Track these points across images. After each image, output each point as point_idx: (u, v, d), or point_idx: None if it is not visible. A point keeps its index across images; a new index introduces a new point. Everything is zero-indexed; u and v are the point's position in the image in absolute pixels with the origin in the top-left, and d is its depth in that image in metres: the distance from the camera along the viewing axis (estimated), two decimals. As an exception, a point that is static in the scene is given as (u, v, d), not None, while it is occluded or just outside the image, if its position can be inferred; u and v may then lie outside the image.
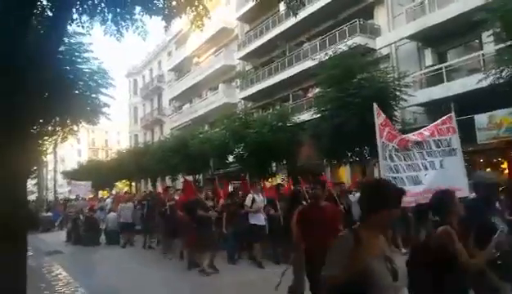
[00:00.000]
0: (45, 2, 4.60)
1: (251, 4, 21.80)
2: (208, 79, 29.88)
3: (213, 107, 27.73)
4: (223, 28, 27.76)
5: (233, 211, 9.08)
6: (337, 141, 11.94)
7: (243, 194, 10.03)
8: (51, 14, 4.08)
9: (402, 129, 12.69)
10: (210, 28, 25.19)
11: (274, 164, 18.27)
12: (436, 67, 15.53)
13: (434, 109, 15.02)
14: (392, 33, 17.14)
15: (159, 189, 27.70)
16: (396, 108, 12.21)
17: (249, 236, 8.72)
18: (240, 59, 27.02)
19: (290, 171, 18.77)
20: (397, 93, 11.87)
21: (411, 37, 15.96)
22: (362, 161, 12.79)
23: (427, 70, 15.87)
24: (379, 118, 6.21)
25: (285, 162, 18.13)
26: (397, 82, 12.15)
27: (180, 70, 35.25)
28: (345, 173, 17.77)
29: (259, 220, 8.45)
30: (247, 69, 27.02)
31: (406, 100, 12.12)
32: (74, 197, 21.23)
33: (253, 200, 8.49)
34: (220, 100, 27.82)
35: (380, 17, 18.28)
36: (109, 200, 19.65)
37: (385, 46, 17.08)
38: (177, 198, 10.82)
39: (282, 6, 20.99)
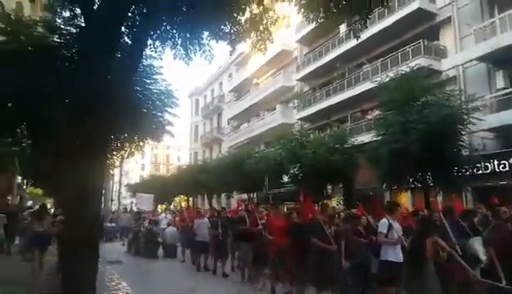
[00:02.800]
0: (123, 29, 5.11)
1: (311, 26, 22.04)
2: (266, 100, 30.40)
3: (270, 127, 28.06)
4: (283, 51, 28.24)
5: (351, 239, 7.26)
6: (397, 166, 11.51)
7: (348, 215, 8.31)
8: (129, 41, 4.53)
9: (470, 155, 12.04)
10: (270, 51, 25.67)
11: (330, 186, 17.98)
12: (508, 90, 14.55)
13: (506, 135, 14.04)
14: (459, 54, 16.40)
15: (213, 204, 28.42)
16: (463, 132, 11.56)
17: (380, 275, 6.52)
18: (298, 80, 27.25)
19: (346, 194, 18.34)
20: (465, 116, 11.26)
21: (481, 59, 15.15)
22: (425, 187, 12.17)
23: (498, 93, 14.91)
24: None
25: (341, 185, 17.76)
26: (464, 106, 11.55)
27: (239, 91, 36.27)
28: (406, 200, 16.99)
29: (398, 255, 6.20)
30: (305, 90, 27.14)
31: (474, 124, 11.46)
32: (138, 209, 22.32)
33: (390, 227, 6.34)
34: (277, 121, 28.11)
35: (447, 38, 17.59)
36: (163, 215, 20.37)
37: (452, 68, 16.36)
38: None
39: (342, 28, 21.01)
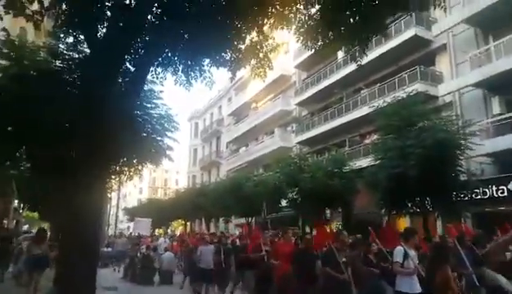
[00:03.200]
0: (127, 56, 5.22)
1: (309, 52, 22.46)
2: (265, 124, 30.61)
3: (269, 150, 28.12)
4: (281, 76, 28.63)
5: (358, 267, 6.93)
6: (396, 191, 11.52)
7: (356, 240, 7.99)
8: (131, 67, 4.62)
9: (468, 180, 12.06)
10: (269, 76, 25.93)
11: (328, 211, 17.88)
12: (504, 116, 14.71)
13: (503, 160, 14.10)
14: (455, 80, 16.66)
15: (211, 228, 28.13)
16: (461, 157, 11.62)
17: None
18: (296, 104, 27.53)
19: (345, 218, 18.21)
20: (462, 142, 11.35)
21: (477, 85, 15.38)
22: (423, 212, 12.14)
23: (495, 119, 15.07)
24: None
25: (340, 210, 17.67)
26: (461, 131, 11.66)
27: (238, 115, 36.56)
28: (405, 225, 16.87)
29: (414, 286, 5.81)
30: (303, 114, 27.38)
31: (472, 149, 11.53)
32: (137, 233, 22.10)
33: (406, 256, 5.97)
34: (275, 144, 28.21)
35: (442, 64, 17.91)
36: (162, 239, 20.11)
37: (448, 94, 16.59)
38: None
39: (340, 54, 21.39)
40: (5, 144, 8.57)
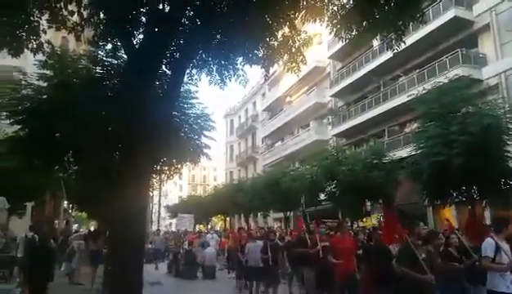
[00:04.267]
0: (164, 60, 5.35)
1: (343, 43, 22.01)
2: (300, 117, 30.38)
3: (305, 144, 27.93)
4: (315, 67, 28.27)
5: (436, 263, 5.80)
6: (440, 180, 11.08)
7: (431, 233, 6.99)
8: (168, 71, 4.74)
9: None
10: (303, 68, 25.71)
11: (369, 203, 17.52)
12: (558, 96, 13.76)
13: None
14: (500, 61, 15.75)
15: (250, 223, 28.39)
16: (509, 143, 10.99)
17: None
18: (332, 96, 27.08)
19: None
20: (510, 126, 10.72)
21: (525, 65, 14.49)
22: (470, 201, 11.60)
23: (546, 100, 14.13)
24: None
25: (380, 202, 17.27)
26: (509, 115, 11.00)
27: (273, 109, 36.51)
28: (450, 215, 16.23)
29: (510, 284, 5.10)
30: (339, 105, 26.91)
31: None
32: (183, 229, 22.74)
33: (498, 249, 5.20)
34: (311, 137, 27.95)
35: (486, 46, 16.98)
36: (209, 235, 20.50)
37: (493, 76, 15.71)
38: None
39: (375, 42, 20.81)
40: (53, 149, 9.05)
